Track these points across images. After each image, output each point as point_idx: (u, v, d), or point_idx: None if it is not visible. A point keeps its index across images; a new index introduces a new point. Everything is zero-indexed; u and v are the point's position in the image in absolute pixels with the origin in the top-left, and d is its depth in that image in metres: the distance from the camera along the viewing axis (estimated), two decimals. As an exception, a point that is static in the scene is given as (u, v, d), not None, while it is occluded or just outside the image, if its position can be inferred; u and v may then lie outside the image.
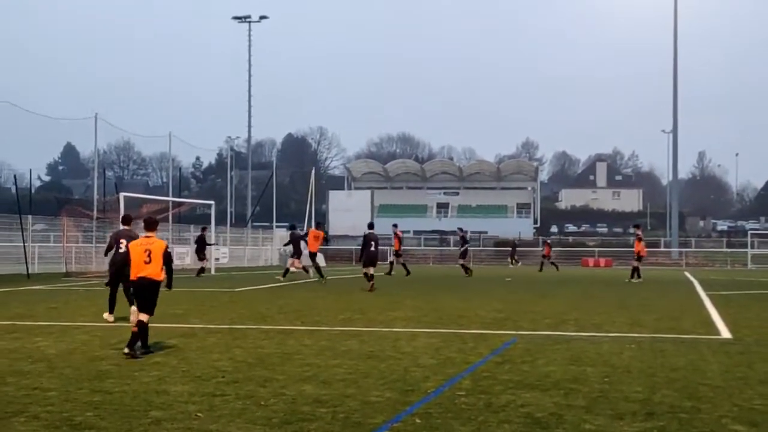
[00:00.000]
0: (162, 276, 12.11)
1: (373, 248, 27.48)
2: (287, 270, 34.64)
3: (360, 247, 29.78)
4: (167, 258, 12.20)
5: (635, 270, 36.20)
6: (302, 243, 34.82)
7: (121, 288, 15.85)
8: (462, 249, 42.78)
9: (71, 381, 9.54)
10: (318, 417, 7.69)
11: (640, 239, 37.04)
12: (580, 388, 9.21)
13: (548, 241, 57.41)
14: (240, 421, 7.50)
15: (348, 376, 9.91)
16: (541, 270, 52.28)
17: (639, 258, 36.76)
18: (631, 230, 42.21)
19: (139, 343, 11.63)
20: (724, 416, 7.87)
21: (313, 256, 35.64)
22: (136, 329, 11.62)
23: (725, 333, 14.97)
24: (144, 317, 11.70)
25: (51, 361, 11.01)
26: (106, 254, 17.55)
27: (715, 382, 9.68)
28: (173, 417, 7.67)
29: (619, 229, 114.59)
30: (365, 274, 27.33)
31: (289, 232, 36.94)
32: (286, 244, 38.89)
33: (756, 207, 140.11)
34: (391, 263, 42.09)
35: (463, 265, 41.47)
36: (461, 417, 7.73)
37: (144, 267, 11.87)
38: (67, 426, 7.32)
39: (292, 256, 35.05)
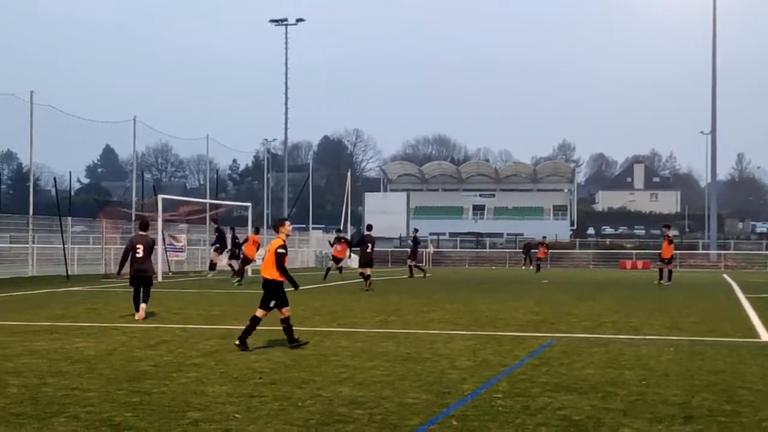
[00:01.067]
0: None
1: (369, 249, 27.90)
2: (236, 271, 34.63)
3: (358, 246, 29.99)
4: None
5: (664, 272, 34.55)
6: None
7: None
8: (413, 250, 42.18)
9: (110, 381, 9.63)
10: (355, 418, 7.71)
11: (670, 241, 34.85)
12: (618, 391, 9.15)
13: (545, 242, 56.47)
14: (277, 423, 7.54)
15: (384, 378, 9.91)
16: (538, 270, 52.16)
17: (668, 260, 34.84)
18: (659, 231, 38.99)
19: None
20: (765, 420, 7.79)
21: (338, 260, 36.38)
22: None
23: (765, 336, 14.81)
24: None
25: (90, 362, 11.13)
26: (122, 260, 17.88)
27: (756, 386, 9.58)
28: (211, 418, 7.72)
29: (656, 231, 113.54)
30: (361, 274, 28.14)
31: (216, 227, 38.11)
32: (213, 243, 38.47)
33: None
34: (411, 267, 41.04)
35: (412, 266, 40.77)
36: (498, 419, 7.71)
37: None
38: (107, 426, 7.39)
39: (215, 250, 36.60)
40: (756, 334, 15.20)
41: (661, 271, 34.89)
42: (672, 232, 36.77)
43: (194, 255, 48.12)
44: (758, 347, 13.22)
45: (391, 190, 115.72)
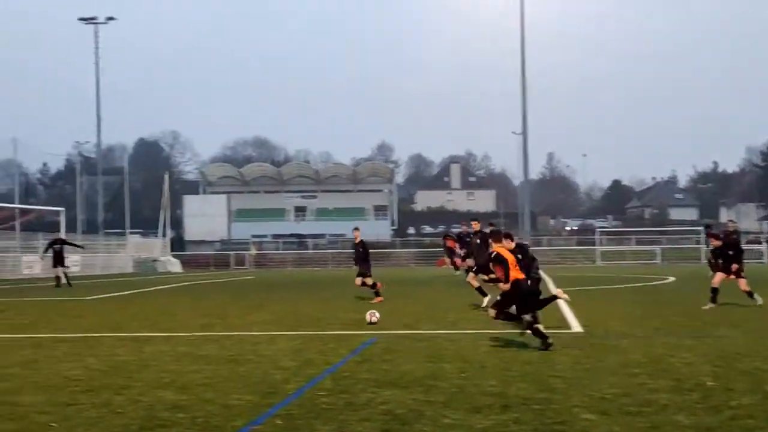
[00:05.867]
0: None
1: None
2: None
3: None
4: None
5: None
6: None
7: None
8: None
9: None
10: (176, 422, 7.58)
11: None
12: (439, 384, 9.37)
13: None
14: (96, 430, 7.33)
15: (207, 381, 9.79)
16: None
17: None
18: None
19: None
20: (576, 406, 8.15)
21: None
22: None
23: (577, 327, 15.49)
24: None
25: None
26: None
27: (566, 374, 10.01)
28: (25, 428, 7.43)
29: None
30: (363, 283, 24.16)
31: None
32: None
33: (603, 205, 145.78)
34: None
35: None
36: (322, 417, 7.76)
37: None
38: None
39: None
40: (568, 325, 15.87)
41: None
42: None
43: (3, 262, 45.96)
44: (569, 338, 13.81)
45: (211, 193, 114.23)
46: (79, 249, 39.65)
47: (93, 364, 11.35)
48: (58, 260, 34.54)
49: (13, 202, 52.78)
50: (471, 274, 20.49)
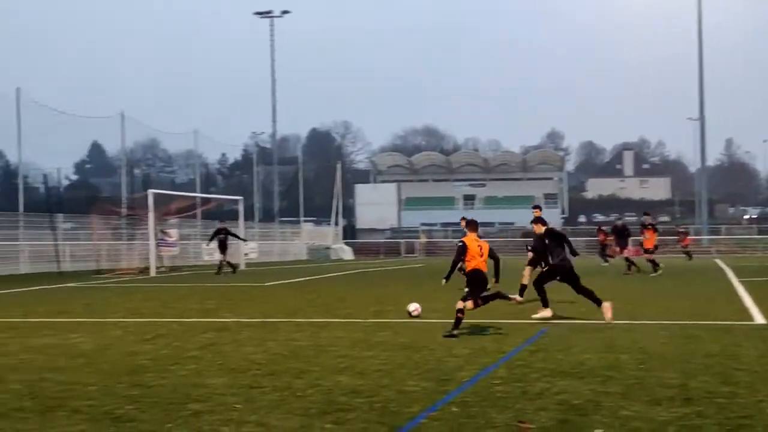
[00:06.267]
0: None
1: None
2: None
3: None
4: None
5: (652, 262, 31.26)
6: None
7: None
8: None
9: (109, 375, 9.63)
10: (355, 407, 7.73)
11: (655, 229, 32.79)
12: (616, 375, 9.19)
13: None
14: (278, 412, 7.56)
15: (383, 367, 9.94)
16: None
17: (650, 250, 31.88)
18: (642, 219, 34.18)
19: None
20: (762, 401, 7.83)
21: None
22: None
23: (759, 319, 14.88)
24: None
25: (88, 357, 11.13)
26: None
27: (752, 368, 9.63)
28: (212, 409, 7.73)
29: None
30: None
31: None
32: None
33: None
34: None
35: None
36: (498, 405, 7.75)
37: None
38: (108, 419, 7.40)
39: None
40: (750, 317, 15.27)
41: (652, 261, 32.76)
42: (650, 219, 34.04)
43: (186, 250, 48.03)
44: (753, 329, 13.29)
45: (381, 182, 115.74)
46: (241, 241, 40.79)
47: (273, 348, 11.72)
48: (222, 248, 35.79)
49: (194, 192, 54.95)
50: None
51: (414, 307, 15.95)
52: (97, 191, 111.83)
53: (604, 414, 7.36)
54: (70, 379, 9.45)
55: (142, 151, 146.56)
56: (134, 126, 54.48)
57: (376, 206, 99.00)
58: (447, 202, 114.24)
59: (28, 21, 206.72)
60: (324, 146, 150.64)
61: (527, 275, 19.36)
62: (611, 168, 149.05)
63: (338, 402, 7.95)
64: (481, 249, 13.59)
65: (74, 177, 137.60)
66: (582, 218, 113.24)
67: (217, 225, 37.69)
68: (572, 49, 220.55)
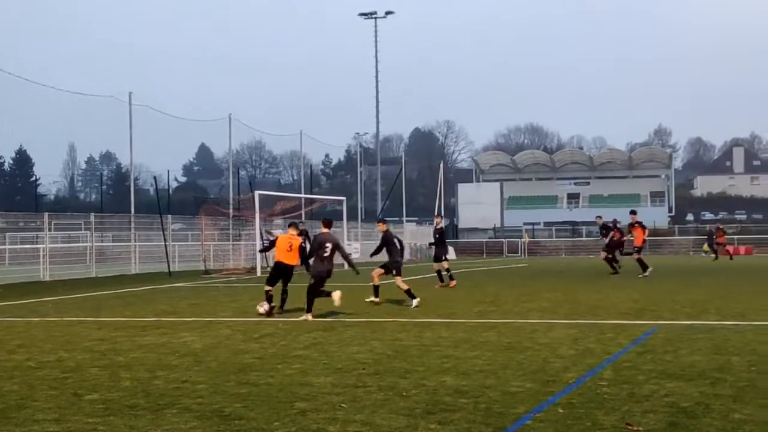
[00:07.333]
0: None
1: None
2: None
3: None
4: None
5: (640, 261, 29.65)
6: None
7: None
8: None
9: (218, 374, 9.85)
10: (460, 407, 7.74)
11: (642, 227, 31.14)
12: (726, 377, 8.99)
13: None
14: (383, 412, 7.62)
15: (487, 367, 9.93)
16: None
17: (639, 249, 30.51)
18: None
19: None
20: None
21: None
22: None
23: None
24: None
25: (197, 355, 11.39)
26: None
27: None
28: (318, 408, 7.84)
29: (758, 216, 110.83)
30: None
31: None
32: None
33: None
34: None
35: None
36: (604, 407, 7.66)
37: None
38: (218, 417, 7.57)
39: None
40: None
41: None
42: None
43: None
44: None
45: (484, 181, 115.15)
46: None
47: (377, 347, 11.81)
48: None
49: (298, 192, 55.68)
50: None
51: (264, 308, 16.81)
52: (204, 193, 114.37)
53: (714, 417, 7.21)
54: (180, 377, 9.70)
55: (247, 153, 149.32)
56: (240, 128, 55.47)
57: (479, 205, 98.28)
58: (551, 200, 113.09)
59: (138, 24, 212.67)
60: (426, 146, 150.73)
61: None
62: (721, 165, 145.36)
63: (443, 402, 7.97)
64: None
65: (183, 179, 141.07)
66: (690, 216, 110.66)
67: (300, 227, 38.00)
68: (679, 46, 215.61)
